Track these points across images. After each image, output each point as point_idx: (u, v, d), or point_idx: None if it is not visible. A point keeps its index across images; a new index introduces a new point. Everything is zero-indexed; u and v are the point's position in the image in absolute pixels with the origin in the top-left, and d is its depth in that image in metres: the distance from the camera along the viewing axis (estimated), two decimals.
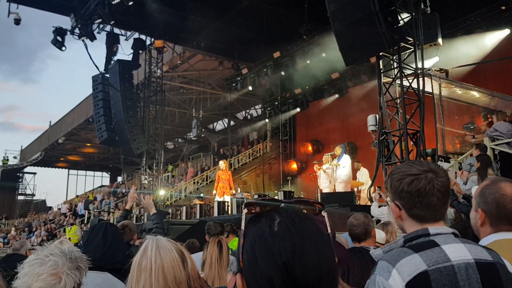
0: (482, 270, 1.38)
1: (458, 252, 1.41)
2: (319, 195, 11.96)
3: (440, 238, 1.46)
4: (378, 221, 6.93)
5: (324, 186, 12.44)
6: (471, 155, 8.04)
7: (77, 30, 16.74)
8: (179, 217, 13.43)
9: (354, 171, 12.46)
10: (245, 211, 0.90)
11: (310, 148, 19.91)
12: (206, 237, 4.97)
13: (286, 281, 0.78)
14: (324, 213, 0.89)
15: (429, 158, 9.61)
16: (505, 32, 13.11)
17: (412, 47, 9.58)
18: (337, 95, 18.25)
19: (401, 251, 1.43)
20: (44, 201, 39.28)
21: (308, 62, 17.01)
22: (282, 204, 0.91)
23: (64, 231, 21.69)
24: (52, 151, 33.11)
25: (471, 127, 11.42)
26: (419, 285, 1.34)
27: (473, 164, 7.26)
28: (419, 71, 9.51)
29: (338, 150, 12.11)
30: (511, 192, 1.81)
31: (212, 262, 3.29)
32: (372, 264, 1.60)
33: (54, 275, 1.53)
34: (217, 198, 12.94)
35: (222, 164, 13.47)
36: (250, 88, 19.32)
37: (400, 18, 9.18)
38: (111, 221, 18.17)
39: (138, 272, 1.54)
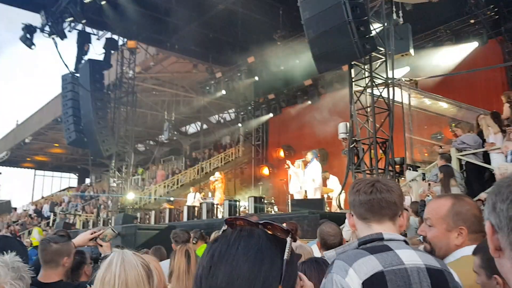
0: (432, 275, 1.47)
1: (410, 257, 1.49)
2: (289, 200, 12.00)
3: (393, 243, 1.54)
4: None
5: (295, 191, 12.51)
6: (437, 165, 8.19)
7: (47, 28, 16.33)
8: (147, 222, 13.25)
9: (324, 180, 12.56)
10: (224, 227, 0.96)
11: (282, 153, 19.96)
12: (172, 245, 4.88)
13: None
14: (288, 239, 0.91)
15: (397, 166, 9.77)
16: (474, 44, 13.47)
17: (383, 57, 9.73)
18: (309, 102, 18.38)
19: (357, 252, 1.50)
20: (9, 202, 38.11)
21: (282, 68, 17.10)
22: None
23: (29, 233, 21.10)
24: (19, 150, 32.17)
25: (439, 137, 11.68)
26: (375, 284, 1.41)
27: (439, 174, 7.41)
28: (389, 81, 9.66)
29: (309, 156, 12.20)
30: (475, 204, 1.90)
31: (180, 273, 3.20)
32: None
33: None
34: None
35: (217, 175, 13.92)
36: (224, 92, 19.27)
37: (372, 28, 9.32)
38: (77, 224, 17.78)
39: (101, 286, 1.51)
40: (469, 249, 1.78)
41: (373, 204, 1.60)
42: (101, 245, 3.46)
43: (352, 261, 1.45)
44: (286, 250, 0.87)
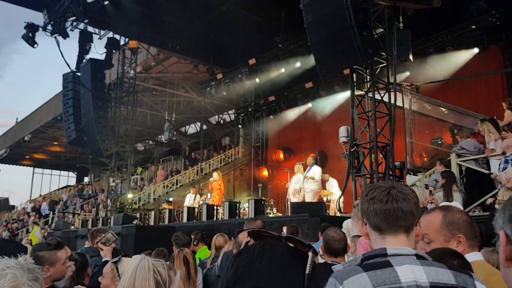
0: None
1: (412, 274, 1.40)
2: (289, 204, 12.01)
3: (397, 259, 1.45)
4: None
5: (292, 193, 12.54)
6: (436, 170, 8.23)
7: (49, 27, 16.38)
8: (147, 222, 13.25)
9: (323, 182, 12.58)
10: (247, 239, 0.98)
11: (281, 155, 19.99)
12: (173, 248, 4.91)
13: None
14: (309, 254, 0.91)
15: (397, 171, 9.80)
16: (475, 50, 13.51)
17: (385, 62, 9.76)
18: (310, 104, 18.41)
19: (351, 269, 1.43)
20: (7, 199, 38.08)
21: (283, 70, 17.13)
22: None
23: (28, 231, 21.09)
24: (18, 148, 32.18)
25: (439, 142, 11.71)
26: None
27: (438, 180, 7.44)
28: (390, 86, 9.69)
29: (310, 160, 12.24)
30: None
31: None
32: None
33: None
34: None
35: (215, 175, 14.04)
36: (225, 93, 19.30)
37: (374, 33, 9.35)
38: (76, 223, 17.77)
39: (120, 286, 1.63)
40: (470, 257, 1.82)
41: (389, 214, 1.51)
42: (102, 249, 3.50)
43: (343, 279, 1.38)
44: (308, 264, 0.88)
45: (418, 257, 1.48)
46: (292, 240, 0.93)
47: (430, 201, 6.05)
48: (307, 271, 0.88)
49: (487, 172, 7.95)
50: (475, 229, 1.89)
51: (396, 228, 1.51)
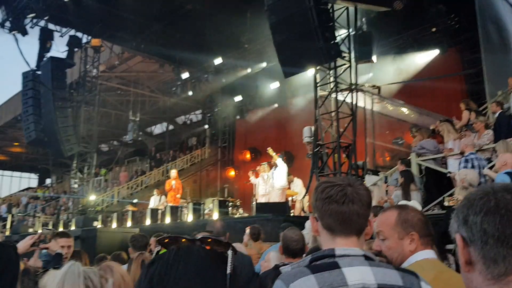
0: None
1: (359, 275, 1.38)
2: (254, 204, 12.00)
3: (345, 260, 1.42)
4: None
5: (261, 194, 12.51)
6: (397, 170, 8.38)
7: (7, 24, 15.86)
8: (109, 224, 12.98)
9: (288, 182, 12.60)
10: (158, 248, 0.93)
11: (248, 156, 19.97)
12: (129, 250, 4.76)
13: None
14: (228, 253, 0.87)
15: (360, 170, 9.94)
16: (435, 52, 13.87)
17: (348, 63, 9.89)
18: (276, 105, 18.47)
19: (299, 271, 1.39)
20: None
21: (249, 70, 17.15)
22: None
23: None
24: None
25: (400, 142, 11.96)
26: None
27: (399, 179, 7.58)
28: (353, 87, 9.83)
29: (275, 158, 12.26)
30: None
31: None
32: None
33: None
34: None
35: (173, 172, 13.78)
36: (191, 93, 19.16)
37: (337, 35, 9.46)
38: (36, 226, 17.22)
39: None
40: (421, 254, 1.86)
41: (344, 217, 1.47)
42: (47, 248, 3.41)
43: (290, 282, 1.35)
44: (229, 264, 0.85)
45: (367, 258, 1.46)
46: (208, 242, 0.89)
47: (386, 201, 6.15)
48: (228, 271, 0.84)
49: (445, 171, 8.15)
50: (429, 227, 1.93)
51: (349, 231, 1.48)
